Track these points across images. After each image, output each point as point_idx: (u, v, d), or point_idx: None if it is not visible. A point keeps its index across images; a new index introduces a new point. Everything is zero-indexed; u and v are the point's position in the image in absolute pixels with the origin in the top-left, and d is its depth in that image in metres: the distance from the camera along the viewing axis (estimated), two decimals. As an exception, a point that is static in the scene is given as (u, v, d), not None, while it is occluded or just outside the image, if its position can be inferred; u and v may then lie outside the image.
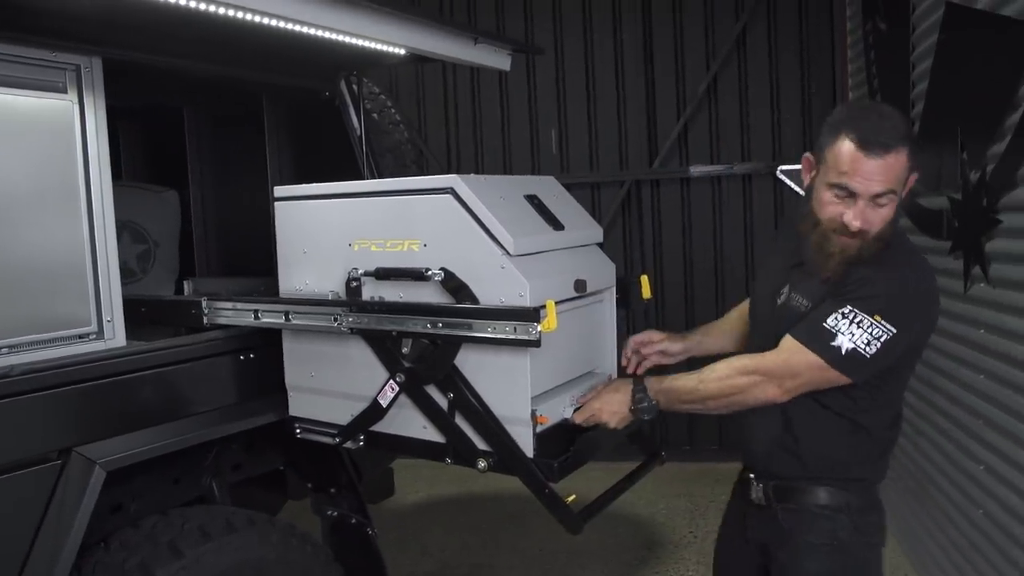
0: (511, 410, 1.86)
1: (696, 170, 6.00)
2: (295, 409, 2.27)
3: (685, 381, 1.93)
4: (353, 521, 2.73)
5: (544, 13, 6.11)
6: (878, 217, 1.76)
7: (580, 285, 2.01)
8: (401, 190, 1.98)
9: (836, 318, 1.77)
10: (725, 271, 6.03)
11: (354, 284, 2.02)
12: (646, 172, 6.05)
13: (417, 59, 2.47)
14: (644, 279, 2.24)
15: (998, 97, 2.90)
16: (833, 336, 1.76)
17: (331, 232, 2.09)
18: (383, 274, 1.96)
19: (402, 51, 2.34)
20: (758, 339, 2.02)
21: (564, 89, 6.14)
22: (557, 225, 2.05)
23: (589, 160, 6.14)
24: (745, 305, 2.26)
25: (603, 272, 2.17)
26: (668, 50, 5.98)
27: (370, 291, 2.02)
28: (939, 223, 3.46)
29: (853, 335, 1.75)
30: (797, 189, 5.85)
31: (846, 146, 1.74)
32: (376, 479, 3.34)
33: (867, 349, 1.75)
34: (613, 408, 1.95)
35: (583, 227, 2.18)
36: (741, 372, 1.87)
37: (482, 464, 1.92)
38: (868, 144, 1.71)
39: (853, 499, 1.90)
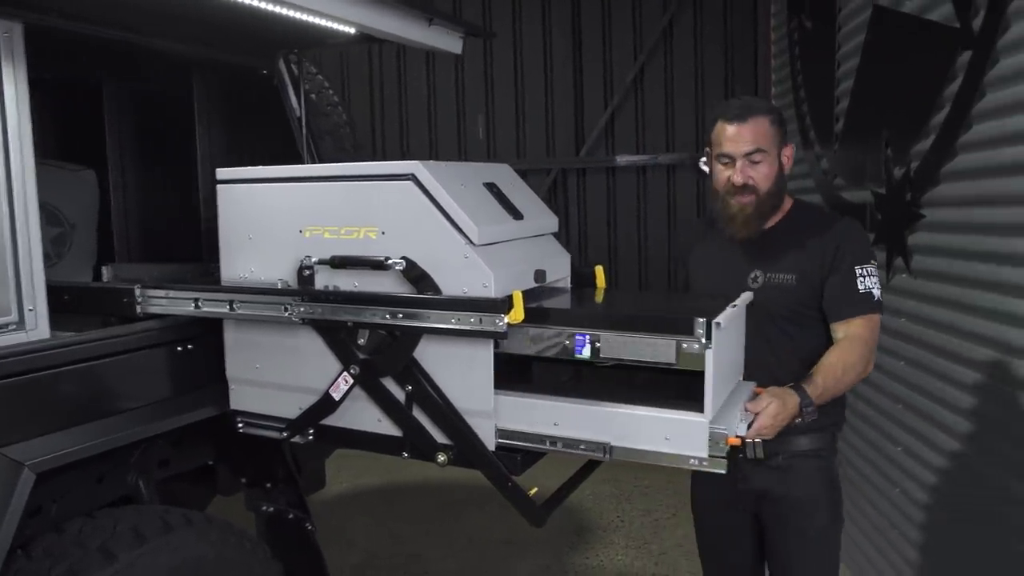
0: (472, 403, 1.82)
1: (622, 159, 6.06)
2: (237, 402, 2.16)
3: (831, 378, 2.05)
4: (291, 516, 2.63)
5: (473, -1, 6.06)
6: (758, 173, 2.13)
7: (540, 275, 1.99)
8: (358, 175, 1.91)
9: (861, 280, 2.12)
10: (649, 259, 6.14)
11: (307, 272, 1.93)
12: (573, 160, 6.08)
13: (366, 39, 2.38)
14: (599, 269, 2.23)
15: (923, 97, 3.02)
16: (869, 294, 2.13)
17: (280, 218, 1.99)
18: (339, 262, 1.89)
19: (352, 30, 2.24)
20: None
21: (492, 76, 6.10)
22: (516, 214, 2.01)
23: (516, 147, 6.13)
24: None
25: (559, 262, 2.16)
26: (596, 40, 6.02)
27: (323, 280, 1.94)
28: (863, 216, 3.58)
29: (874, 282, 2.14)
30: (719, 180, 5.99)
31: (721, 125, 2.16)
32: (307, 471, 3.24)
33: (879, 285, 2.15)
34: (782, 423, 1.95)
35: (540, 216, 2.15)
36: (863, 358, 2.11)
37: (441, 458, 1.87)
38: (735, 117, 2.14)
39: (827, 441, 2.24)
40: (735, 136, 2.12)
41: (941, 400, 2.95)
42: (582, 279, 2.23)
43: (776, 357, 2.16)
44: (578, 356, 1.74)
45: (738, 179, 2.12)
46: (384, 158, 5.17)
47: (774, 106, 2.16)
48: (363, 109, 6.20)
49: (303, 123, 2.65)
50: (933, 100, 2.96)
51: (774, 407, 1.92)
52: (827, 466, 2.24)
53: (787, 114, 4.85)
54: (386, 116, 6.21)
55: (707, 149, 2.26)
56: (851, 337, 2.12)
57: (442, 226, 1.80)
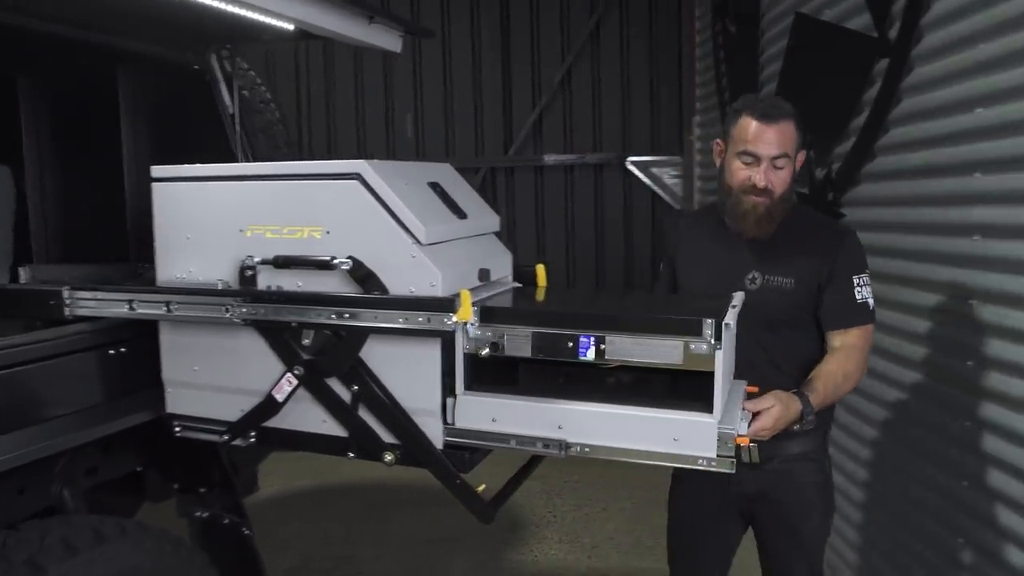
0: (420, 402, 1.82)
1: (550, 159, 6.13)
2: (174, 406, 2.11)
3: (832, 386, 2.09)
4: (226, 522, 2.58)
5: (402, -3, 6.03)
6: (777, 178, 2.10)
7: (484, 274, 2.00)
8: (302, 174, 1.88)
9: (858, 291, 2.14)
10: (577, 258, 6.21)
11: (249, 273, 1.90)
12: (501, 159, 6.11)
13: (304, 36, 2.34)
14: (540, 268, 2.25)
15: (844, 102, 3.16)
16: (866, 303, 2.15)
17: (220, 217, 1.95)
18: (283, 262, 1.86)
19: (291, 26, 2.21)
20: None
21: (420, 74, 6.08)
22: (461, 214, 2.02)
23: (445, 146, 6.12)
24: None
25: (502, 261, 2.17)
26: (524, 40, 6.06)
27: (265, 280, 1.91)
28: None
29: (869, 292, 2.16)
30: (646, 180, 6.12)
31: (746, 120, 2.11)
32: (240, 476, 3.18)
33: (872, 295, 2.18)
34: (781, 426, 1.97)
35: (482, 215, 2.16)
36: (860, 366, 2.16)
37: (388, 457, 1.86)
38: (764, 116, 2.09)
39: (819, 443, 2.27)
40: (764, 137, 2.07)
41: (860, 391, 3.09)
42: (524, 277, 2.25)
43: (769, 359, 2.16)
44: (581, 358, 1.72)
45: (761, 182, 2.08)
46: (311, 157, 5.10)
47: (796, 109, 2.14)
48: (289, 107, 6.09)
49: (237, 120, 2.59)
50: (853, 105, 3.10)
51: (777, 410, 1.93)
52: (821, 468, 2.26)
53: (712, 116, 5.01)
54: (313, 114, 6.12)
55: (718, 141, 2.22)
56: (848, 346, 2.14)
57: (389, 226, 1.79)
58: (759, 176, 2.08)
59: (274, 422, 1.97)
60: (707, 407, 1.68)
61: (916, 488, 2.78)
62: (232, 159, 2.68)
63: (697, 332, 1.65)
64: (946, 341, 2.59)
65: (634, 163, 6.04)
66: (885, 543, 3.01)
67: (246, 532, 2.58)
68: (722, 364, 1.65)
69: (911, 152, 2.75)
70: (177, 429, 2.11)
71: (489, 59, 6.07)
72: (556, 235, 6.21)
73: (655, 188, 6.05)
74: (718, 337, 1.63)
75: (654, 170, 6.02)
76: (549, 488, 5.01)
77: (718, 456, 1.67)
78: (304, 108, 6.11)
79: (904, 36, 2.73)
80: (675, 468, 2.35)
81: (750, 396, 1.95)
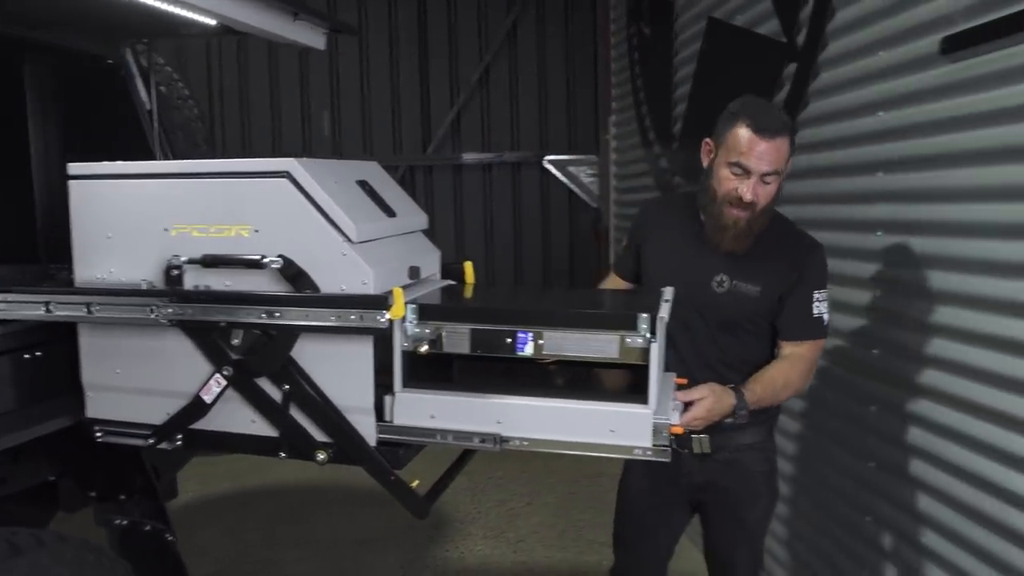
0: (353, 400, 1.82)
1: (468, 157, 6.16)
2: (95, 410, 2.04)
3: (770, 390, 2.14)
4: (148, 528, 2.51)
5: (318, -7, 5.96)
6: (765, 193, 2.07)
7: (414, 272, 2.01)
8: (229, 172, 1.85)
9: (816, 306, 2.17)
10: (496, 256, 6.27)
11: (175, 272, 1.86)
12: (420, 158, 6.11)
13: (226, 32, 2.30)
14: (468, 265, 2.28)
15: (754, 103, 3.28)
16: (821, 319, 2.19)
17: (144, 216, 1.90)
18: (212, 261, 1.83)
19: (213, 21, 2.17)
20: (694, 321, 2.20)
21: (337, 72, 6.02)
22: (390, 212, 2.02)
23: (363, 144, 6.08)
24: (613, 282, 2.48)
25: (431, 259, 2.19)
26: (442, 39, 6.08)
27: (192, 280, 1.87)
28: (700, 214, 3.84)
29: (826, 307, 2.19)
30: (563, 179, 6.21)
31: (743, 131, 2.04)
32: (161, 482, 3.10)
33: (828, 310, 2.21)
34: (714, 418, 2.00)
35: (411, 214, 2.17)
36: (803, 376, 2.20)
37: (321, 456, 1.86)
38: (761, 130, 2.02)
39: (766, 434, 2.32)
40: (758, 152, 2.02)
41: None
42: (452, 275, 2.27)
43: (724, 359, 2.21)
44: (520, 353, 1.75)
45: (748, 196, 2.04)
46: (225, 155, 4.99)
47: (792, 122, 2.11)
48: (201, 104, 5.94)
49: (154, 116, 2.53)
50: (763, 107, 3.23)
51: (709, 401, 1.97)
52: (767, 458, 2.32)
53: (627, 115, 5.13)
54: (226, 112, 5.98)
55: (708, 141, 2.17)
56: (797, 357, 2.18)
57: (319, 224, 1.79)
58: (747, 190, 2.04)
59: (202, 424, 1.94)
60: (642, 399, 1.73)
61: (830, 472, 2.93)
62: (150, 157, 2.61)
63: (632, 326, 1.70)
64: (856, 332, 2.73)
65: (551, 162, 6.12)
66: (805, 524, 3.16)
67: (169, 539, 2.52)
68: (657, 357, 1.71)
69: (818, 152, 2.88)
70: (98, 434, 2.05)
71: (407, 57, 6.05)
72: (475, 233, 6.25)
73: (572, 187, 6.16)
74: (653, 331, 1.69)
75: (571, 169, 6.12)
76: (474, 485, 5.04)
77: (654, 446, 1.72)
78: (216, 106, 5.96)
79: (811, 42, 2.86)
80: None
81: (679, 388, 2.00)
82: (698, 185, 2.23)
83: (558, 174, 6.14)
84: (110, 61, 2.52)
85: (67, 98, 2.67)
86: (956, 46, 2.15)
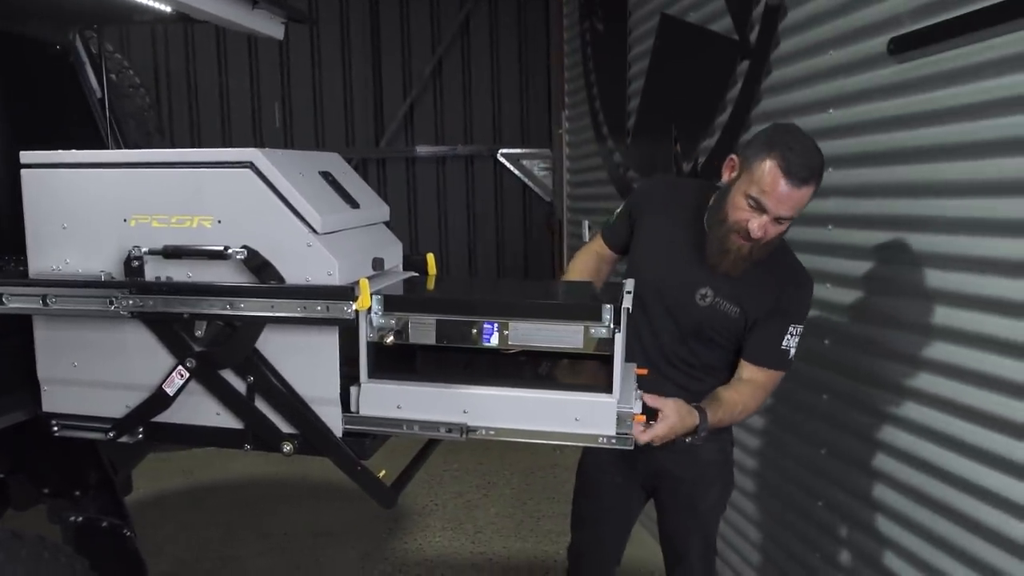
0: (319, 390, 1.82)
1: (421, 150, 6.14)
2: (51, 404, 2.00)
3: (729, 414, 2.15)
4: (105, 524, 2.47)
5: (266, -19, 5.87)
6: (775, 232, 2.02)
7: (377, 263, 2.01)
8: (190, 162, 1.83)
9: (788, 339, 2.17)
10: (449, 247, 6.27)
11: (135, 263, 1.83)
12: (373, 151, 6.07)
13: (182, 19, 2.27)
14: (430, 257, 2.29)
15: (708, 100, 3.35)
16: (788, 352, 2.18)
17: (101, 205, 1.87)
18: (174, 252, 1.81)
19: (168, 8, 2.14)
20: (666, 323, 2.21)
21: (288, 62, 5.95)
22: (353, 203, 2.03)
23: (315, 136, 6.02)
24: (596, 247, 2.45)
25: (393, 250, 2.19)
26: (394, 31, 6.05)
27: (153, 271, 1.85)
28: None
29: (796, 343, 2.19)
30: (516, 172, 6.24)
31: (771, 168, 1.94)
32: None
33: (797, 347, 2.21)
34: (673, 436, 2.00)
35: (373, 205, 2.18)
36: (759, 403, 2.22)
37: (287, 447, 1.85)
38: (791, 175, 1.93)
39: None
40: (780, 196, 1.94)
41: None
42: (414, 266, 2.28)
43: (689, 362, 2.23)
44: (486, 344, 1.77)
45: (757, 233, 1.99)
46: (174, 145, 4.90)
47: (823, 163, 2.01)
48: (151, 92, 5.82)
49: (105, 105, 2.48)
50: (716, 103, 3.30)
51: (672, 420, 1.98)
52: (722, 448, 2.34)
53: (581, 110, 5.17)
54: (173, 102, 5.86)
55: (734, 158, 2.08)
56: (756, 384, 2.19)
57: (284, 215, 1.78)
58: (757, 228, 1.99)
59: (164, 417, 1.92)
60: (607, 388, 1.77)
61: (784, 458, 3.01)
62: (101, 146, 2.55)
63: (597, 317, 1.73)
64: (809, 323, 2.80)
65: (505, 155, 6.15)
66: (759, 511, 3.24)
67: (127, 534, 2.48)
68: (621, 347, 1.75)
69: (770, 147, 2.95)
70: (55, 428, 2.02)
71: (359, 49, 6.01)
72: (429, 226, 6.25)
73: (526, 180, 6.19)
74: (617, 322, 1.72)
75: (524, 162, 6.16)
76: (431, 477, 5.04)
77: (618, 434, 1.77)
78: (164, 96, 5.84)
79: (763, 40, 2.93)
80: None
81: (640, 378, 2.04)
82: (714, 195, 2.18)
83: (512, 168, 6.17)
84: (58, 47, 2.45)
85: (13, 86, 2.60)
86: (903, 47, 2.23)
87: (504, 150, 6.15)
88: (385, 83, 6.07)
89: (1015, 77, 1.89)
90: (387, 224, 2.27)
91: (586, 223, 5.18)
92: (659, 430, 1.96)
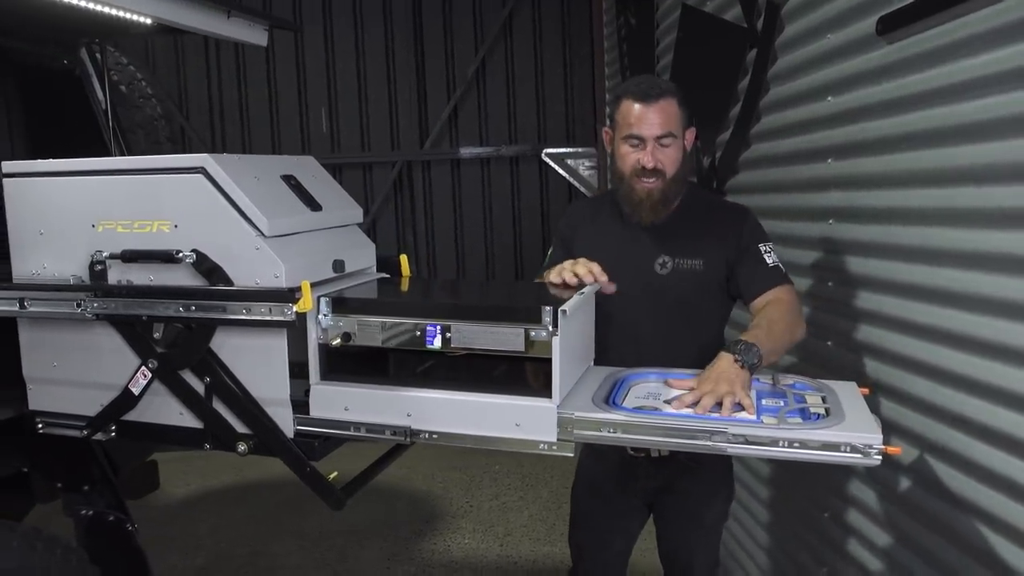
0: (270, 392, 1.86)
1: (466, 151, 6.16)
2: (36, 403, 2.11)
3: (767, 330, 1.97)
4: (111, 519, 2.58)
5: (314, -7, 6.00)
6: (667, 158, 2.11)
7: (338, 265, 2.03)
8: (148, 168, 1.89)
9: (767, 257, 2.16)
10: (495, 248, 6.27)
11: (99, 267, 1.91)
12: (417, 153, 6.13)
13: (166, 30, 2.34)
14: (403, 258, 2.29)
15: (723, 91, 3.25)
16: (778, 267, 2.16)
17: (72, 212, 1.96)
18: (130, 256, 1.88)
19: (148, 20, 2.21)
20: (645, 305, 2.17)
21: (334, 69, 6.07)
22: (315, 206, 2.04)
23: (361, 140, 6.12)
24: None
25: (363, 252, 2.20)
26: (437, 32, 6.09)
27: (117, 275, 1.92)
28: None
29: (777, 257, 2.17)
30: (562, 172, 6.19)
31: (628, 104, 2.12)
32: (139, 473, 3.17)
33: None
34: (730, 378, 1.79)
35: (342, 207, 2.19)
36: (788, 309, 2.08)
37: (242, 447, 1.89)
38: (643, 96, 2.09)
39: None
40: (646, 118, 2.07)
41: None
42: (388, 268, 2.29)
43: (672, 343, 2.16)
44: (429, 347, 1.77)
45: (649, 162, 2.08)
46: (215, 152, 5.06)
47: (677, 87, 2.12)
48: (201, 106, 6.03)
49: (108, 115, 2.58)
50: (730, 94, 3.19)
51: (705, 376, 1.82)
52: (724, 458, 2.25)
53: (617, 107, 5.09)
54: (225, 113, 6.06)
55: (607, 129, 2.23)
56: (776, 299, 2.08)
57: (232, 218, 1.82)
58: (647, 157, 2.08)
59: (133, 415, 1.99)
60: (547, 393, 1.73)
61: (786, 470, 2.88)
62: (106, 155, 2.67)
63: (537, 319, 1.71)
64: (812, 323, 2.68)
65: (550, 155, 6.10)
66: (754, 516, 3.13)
67: (129, 528, 2.58)
68: (560, 350, 1.71)
69: (779, 139, 2.84)
70: (40, 426, 2.12)
71: (403, 52, 6.07)
72: (474, 228, 6.26)
73: (571, 180, 6.13)
74: (556, 324, 1.69)
75: (570, 162, 6.10)
76: (470, 479, 5.07)
77: (559, 440, 1.73)
78: (216, 106, 6.05)
79: (767, 26, 2.82)
80: (577, 465, 2.44)
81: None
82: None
83: (557, 167, 6.12)
84: (65, 62, 2.57)
85: (23, 99, 2.74)
86: (891, 26, 2.10)
87: (549, 150, 6.11)
88: (429, 85, 6.12)
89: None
90: (360, 226, 2.28)
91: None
92: (701, 391, 1.78)
